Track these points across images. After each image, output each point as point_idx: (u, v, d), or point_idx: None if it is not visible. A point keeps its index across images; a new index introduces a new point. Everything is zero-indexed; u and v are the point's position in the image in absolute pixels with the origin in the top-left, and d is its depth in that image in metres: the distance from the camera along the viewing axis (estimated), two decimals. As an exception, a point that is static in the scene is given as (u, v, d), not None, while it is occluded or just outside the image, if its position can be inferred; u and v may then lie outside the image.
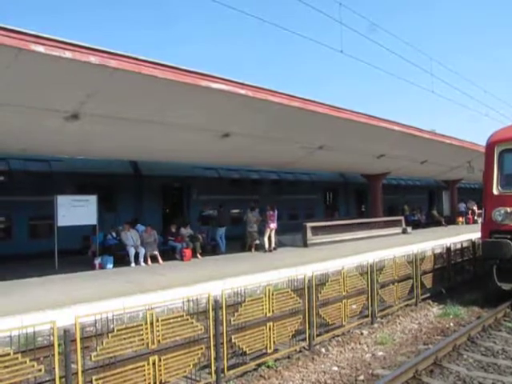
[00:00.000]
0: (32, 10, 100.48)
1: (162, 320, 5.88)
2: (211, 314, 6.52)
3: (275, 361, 7.52)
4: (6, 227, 19.70)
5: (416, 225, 31.40)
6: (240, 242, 21.09)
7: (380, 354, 8.06)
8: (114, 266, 16.41)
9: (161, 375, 5.80)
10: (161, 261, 17.25)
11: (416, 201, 39.15)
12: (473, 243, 14.78)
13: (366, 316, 9.85)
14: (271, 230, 20.12)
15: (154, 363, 5.74)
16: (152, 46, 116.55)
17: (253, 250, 20.14)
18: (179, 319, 6.10)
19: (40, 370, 4.91)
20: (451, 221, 35.67)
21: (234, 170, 27.76)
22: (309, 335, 8.14)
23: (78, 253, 18.66)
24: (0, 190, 18.83)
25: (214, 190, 25.70)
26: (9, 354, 4.73)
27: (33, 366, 4.83)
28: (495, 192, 11.76)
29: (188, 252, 17.84)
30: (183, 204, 24.30)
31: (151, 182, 23.57)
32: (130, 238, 17.00)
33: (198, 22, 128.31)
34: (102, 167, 21.54)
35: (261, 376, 7.01)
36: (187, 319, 6.18)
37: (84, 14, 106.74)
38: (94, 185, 20.63)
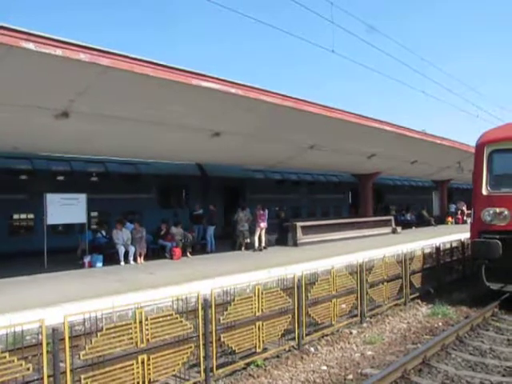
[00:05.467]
0: (30, 10, 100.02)
1: (151, 319, 5.86)
2: (200, 312, 6.50)
3: (264, 360, 7.51)
4: (104, 221, 20.93)
5: (405, 225, 31.52)
6: (230, 241, 21.12)
7: (369, 353, 8.08)
8: (103, 265, 16.37)
9: (150, 374, 5.78)
10: (142, 260, 17.25)
11: (425, 201, 40.84)
12: (462, 243, 14.85)
13: (356, 315, 9.87)
14: (261, 230, 20.15)
15: (142, 362, 5.72)
16: (149, 46, 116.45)
17: (243, 248, 20.15)
18: (168, 318, 6.09)
19: (28, 369, 4.87)
20: (441, 221, 35.82)
21: (277, 172, 30.61)
22: (298, 334, 8.14)
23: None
24: (98, 189, 21.37)
25: (262, 190, 28.61)
26: (-4, 353, 4.70)
27: (21, 365, 4.79)
28: (484, 192, 11.82)
29: (178, 251, 17.81)
30: (239, 202, 25.41)
31: (215, 183, 26.30)
32: (121, 236, 16.95)
33: (193, 22, 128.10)
34: (177, 170, 24.51)
35: (250, 375, 7.00)
36: (176, 318, 6.16)
37: (81, 14, 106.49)
38: (171, 184, 24.50)
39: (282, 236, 22.68)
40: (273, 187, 30.45)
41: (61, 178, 21.86)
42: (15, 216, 20.91)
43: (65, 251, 17.69)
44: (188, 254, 18.37)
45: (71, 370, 5.21)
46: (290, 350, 8.08)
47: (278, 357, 7.79)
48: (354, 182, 34.39)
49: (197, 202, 22.62)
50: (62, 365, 5.17)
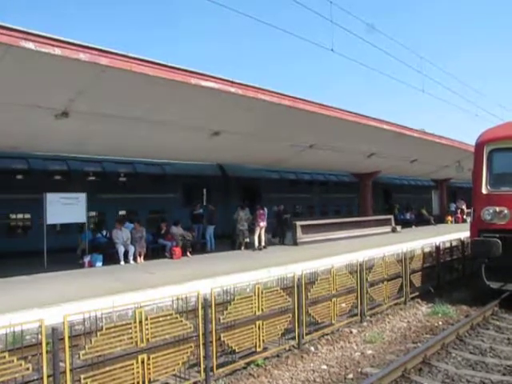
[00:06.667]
0: (31, 9, 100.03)
1: (151, 318, 5.85)
2: (200, 312, 6.49)
3: (264, 359, 7.50)
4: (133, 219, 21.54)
5: (405, 223, 31.54)
6: (230, 241, 21.13)
7: (369, 352, 8.08)
8: (103, 264, 16.37)
9: (150, 374, 5.77)
10: (142, 259, 17.29)
11: (427, 200, 41.27)
12: (462, 242, 14.84)
13: (356, 315, 9.86)
14: (261, 229, 20.14)
15: (142, 362, 5.71)
16: (150, 44, 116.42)
17: (242, 248, 20.16)
18: (168, 317, 6.08)
19: (28, 369, 4.86)
20: (440, 220, 35.82)
21: (292, 172, 32.16)
22: (298, 334, 8.13)
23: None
24: (127, 189, 23.10)
25: (277, 190, 29.81)
26: (-4, 353, 4.69)
27: (20, 365, 4.79)
28: (484, 191, 11.81)
29: (178, 250, 17.82)
30: (256, 201, 26.28)
31: (234, 183, 27.75)
32: (120, 236, 16.94)
33: (194, 21, 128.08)
34: (200, 170, 25.94)
35: (250, 374, 6.99)
36: (176, 317, 6.15)
37: (81, 13, 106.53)
38: (194, 184, 25.65)
39: (281, 230, 22.79)
40: (287, 187, 31.67)
41: (92, 178, 22.95)
42: None
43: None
44: (188, 253, 18.36)
45: (71, 370, 5.20)
46: (290, 350, 8.07)
47: (278, 356, 7.79)
48: None
49: (218, 201, 23.66)
50: (61, 364, 5.17)
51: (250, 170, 27.99)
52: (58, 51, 9.14)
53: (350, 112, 17.40)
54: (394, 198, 39.48)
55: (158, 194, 23.77)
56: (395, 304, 11.21)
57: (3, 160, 19.50)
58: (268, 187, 29.52)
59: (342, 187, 36.05)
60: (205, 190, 26.73)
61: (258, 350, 7.34)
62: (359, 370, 7.18)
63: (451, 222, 35.94)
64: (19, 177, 20.59)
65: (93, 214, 21.94)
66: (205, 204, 23.36)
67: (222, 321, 6.77)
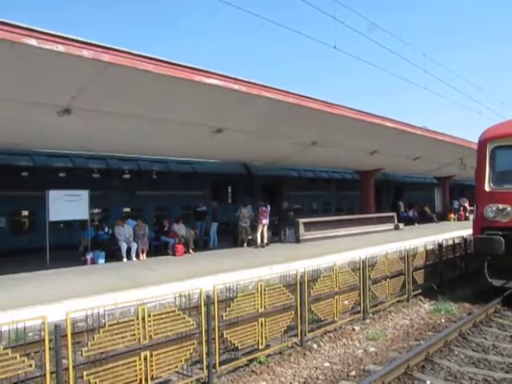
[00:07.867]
0: (32, 8, 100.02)
1: (153, 315, 5.84)
2: (203, 309, 6.49)
3: (267, 356, 7.50)
4: (167, 215, 22.58)
5: (408, 221, 31.49)
6: (232, 238, 21.13)
7: (372, 349, 8.07)
8: (105, 261, 16.38)
9: (152, 370, 5.77)
10: (144, 256, 17.35)
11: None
12: (464, 240, 14.83)
13: (358, 312, 9.86)
14: (263, 226, 20.13)
15: (145, 358, 5.70)
16: (151, 43, 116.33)
17: (245, 245, 20.17)
18: (171, 314, 6.08)
19: (30, 366, 4.86)
20: (443, 217, 35.77)
21: (310, 170, 33.20)
22: (301, 331, 8.13)
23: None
24: (161, 186, 24.20)
25: (297, 188, 30.99)
26: (-1, 350, 4.69)
27: (23, 362, 4.79)
28: (487, 189, 11.79)
29: (180, 247, 17.82)
30: (277, 198, 27.67)
31: (258, 180, 28.81)
32: (123, 232, 16.95)
33: (196, 19, 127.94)
34: (226, 169, 27.08)
35: (252, 371, 6.99)
36: (179, 314, 6.15)
37: (81, 12, 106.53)
38: (221, 182, 27.20)
39: (283, 227, 22.63)
40: (306, 184, 32.93)
41: (128, 176, 24.09)
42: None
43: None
44: (190, 250, 18.37)
45: (74, 367, 5.21)
46: (292, 347, 8.07)
47: (280, 353, 7.79)
48: (377, 180, 35.50)
49: (245, 198, 23.75)
50: (64, 361, 5.17)
51: (272, 168, 28.69)
52: (61, 48, 9.13)
53: (353, 109, 17.38)
54: (404, 197, 39.67)
55: (188, 192, 24.72)
56: (398, 301, 11.20)
57: (50, 158, 20.37)
58: (288, 185, 30.44)
59: (357, 185, 35.83)
60: (230, 188, 28.18)
61: (260, 347, 7.33)
62: (362, 367, 7.18)
63: (454, 219, 35.88)
64: (62, 174, 21.32)
65: (128, 209, 23.65)
66: (201, 201, 23.44)
67: (224, 318, 6.76)
